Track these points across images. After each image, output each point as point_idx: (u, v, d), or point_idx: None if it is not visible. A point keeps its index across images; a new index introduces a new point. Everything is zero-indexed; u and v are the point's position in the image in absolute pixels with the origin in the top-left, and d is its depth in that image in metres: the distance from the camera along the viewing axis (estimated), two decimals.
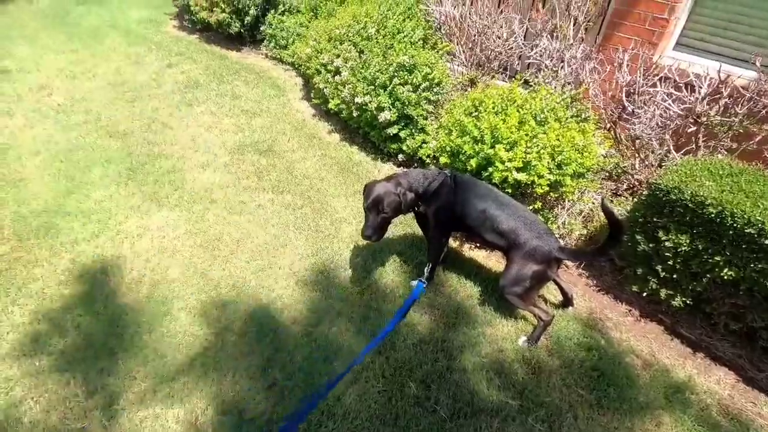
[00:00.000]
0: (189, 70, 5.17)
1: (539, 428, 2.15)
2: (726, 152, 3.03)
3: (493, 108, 3.04)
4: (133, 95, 4.62)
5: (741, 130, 2.93)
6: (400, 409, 2.16)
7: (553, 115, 2.98)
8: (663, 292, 2.55)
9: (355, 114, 3.91)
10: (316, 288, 2.77)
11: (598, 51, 3.66)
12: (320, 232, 3.18)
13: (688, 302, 2.51)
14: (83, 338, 2.38)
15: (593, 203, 3.23)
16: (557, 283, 2.69)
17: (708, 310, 2.51)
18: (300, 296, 2.71)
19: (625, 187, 3.43)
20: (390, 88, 3.68)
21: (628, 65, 3.32)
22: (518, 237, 2.36)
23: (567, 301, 2.73)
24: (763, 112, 2.85)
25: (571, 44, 3.62)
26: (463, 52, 4.22)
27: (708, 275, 2.36)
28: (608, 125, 3.49)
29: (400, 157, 3.92)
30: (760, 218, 2.12)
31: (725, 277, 2.28)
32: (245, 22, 5.66)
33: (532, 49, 3.82)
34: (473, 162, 2.91)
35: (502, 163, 2.79)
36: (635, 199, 3.12)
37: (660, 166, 3.25)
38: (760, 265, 2.18)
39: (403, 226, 3.25)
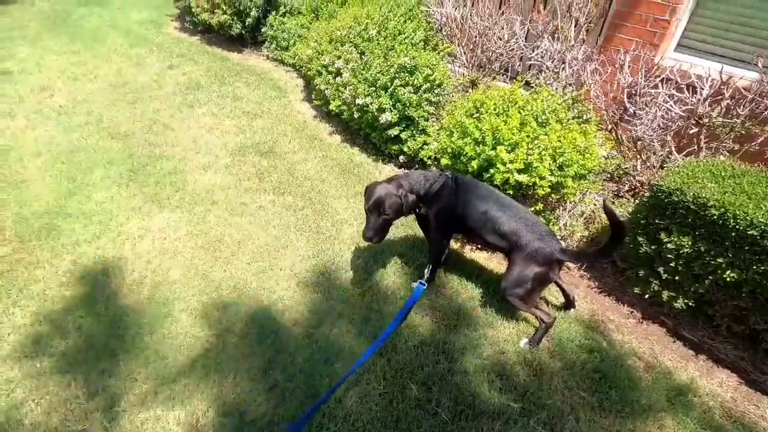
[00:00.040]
0: (190, 72, 5.18)
1: (541, 431, 2.14)
2: (728, 154, 3.02)
3: (495, 109, 3.04)
4: (134, 97, 4.62)
5: (743, 132, 2.93)
6: (401, 411, 2.16)
7: (554, 116, 2.97)
8: (665, 294, 2.55)
9: (356, 115, 3.91)
10: (317, 289, 2.77)
11: (600, 52, 3.65)
12: (321, 234, 3.18)
13: (690, 304, 2.50)
14: (84, 340, 2.38)
15: (595, 205, 3.23)
16: (559, 285, 2.68)
17: (710, 312, 2.51)
18: (301, 298, 2.71)
19: (626, 188, 3.42)
20: (391, 89, 3.68)
21: (629, 66, 3.31)
22: (520, 239, 2.36)
23: (569, 303, 2.73)
24: (766, 113, 2.84)
25: (573, 45, 3.62)
26: (464, 53, 4.22)
27: (710, 277, 2.35)
28: (610, 126, 3.49)
29: (401, 158, 3.92)
30: (762, 220, 2.12)
31: (728, 279, 2.27)
32: (246, 23, 5.67)
33: (533, 51, 3.82)
34: (474, 163, 2.91)
35: (504, 164, 2.79)
36: (637, 201, 3.11)
37: (662, 167, 3.24)
38: (762, 267, 2.17)
39: (405, 227, 3.25)
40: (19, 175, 3.45)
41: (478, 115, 3.08)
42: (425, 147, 3.71)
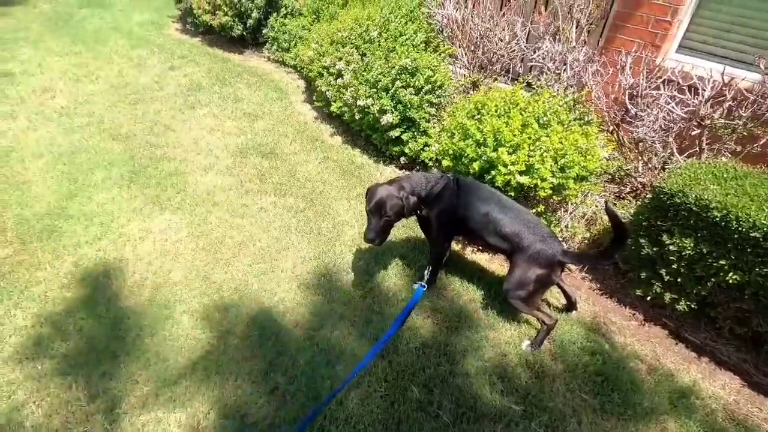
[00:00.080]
0: (191, 73, 5.19)
1: None
2: (730, 155, 3.02)
3: (496, 111, 3.04)
4: (135, 98, 4.63)
5: (745, 133, 2.92)
6: (403, 413, 2.15)
7: (555, 117, 2.97)
8: (667, 296, 2.54)
9: (357, 117, 3.91)
10: (318, 291, 2.76)
11: (601, 54, 3.65)
12: (322, 235, 3.17)
13: (692, 306, 2.49)
14: (85, 341, 2.38)
15: (596, 206, 3.22)
16: (561, 287, 2.67)
17: (713, 314, 2.50)
18: (302, 299, 2.71)
19: (628, 190, 3.42)
20: (392, 91, 3.68)
21: (630, 68, 3.31)
22: (522, 240, 2.36)
23: (570, 305, 2.72)
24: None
25: (574, 47, 3.62)
26: (466, 54, 4.22)
27: (713, 279, 2.35)
28: (611, 128, 3.49)
29: (403, 160, 3.92)
30: (765, 222, 2.11)
31: (730, 281, 2.27)
32: (248, 25, 5.67)
33: (534, 52, 3.82)
34: (476, 165, 2.90)
35: (505, 166, 2.78)
36: (639, 203, 3.11)
37: (663, 169, 3.24)
38: (765, 269, 2.16)
39: (406, 229, 3.24)
40: (21, 177, 3.45)
41: (479, 116, 3.08)
42: (426, 148, 3.71)
